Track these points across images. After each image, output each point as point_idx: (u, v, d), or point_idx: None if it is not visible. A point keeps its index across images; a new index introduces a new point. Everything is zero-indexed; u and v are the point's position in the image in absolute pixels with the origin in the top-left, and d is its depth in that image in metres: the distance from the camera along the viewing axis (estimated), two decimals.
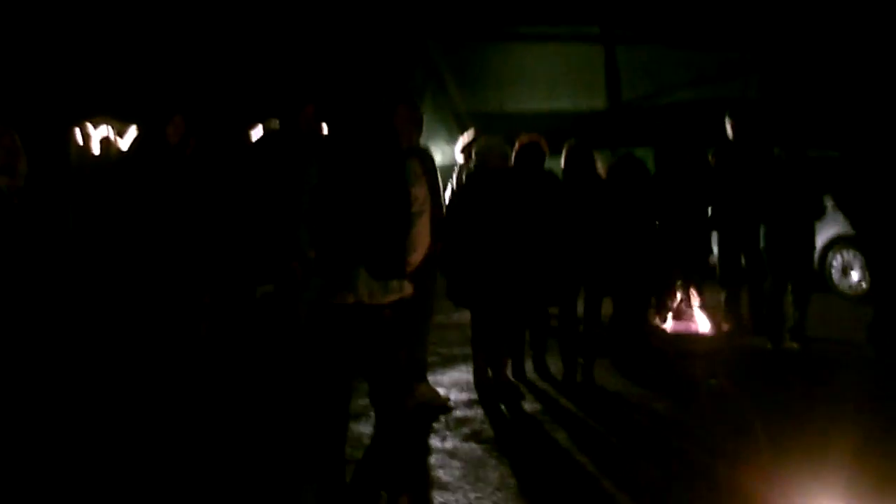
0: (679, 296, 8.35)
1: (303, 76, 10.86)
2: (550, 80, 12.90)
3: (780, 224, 8.33)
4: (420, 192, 4.75)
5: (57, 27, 9.62)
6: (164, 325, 6.61)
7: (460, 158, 8.83)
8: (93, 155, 9.21)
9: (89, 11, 9.92)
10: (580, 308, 7.57)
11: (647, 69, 13.27)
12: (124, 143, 9.39)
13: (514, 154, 7.40)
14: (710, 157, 8.79)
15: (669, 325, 8.40)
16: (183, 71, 9.97)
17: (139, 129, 6.88)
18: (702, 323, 8.47)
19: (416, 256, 4.73)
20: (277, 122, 10.41)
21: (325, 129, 7.09)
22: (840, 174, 9.15)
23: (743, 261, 8.74)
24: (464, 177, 7.58)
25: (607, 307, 7.75)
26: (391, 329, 4.54)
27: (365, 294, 4.46)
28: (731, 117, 8.80)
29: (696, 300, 8.35)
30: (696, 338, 8.29)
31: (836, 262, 10.73)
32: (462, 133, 10.57)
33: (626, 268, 7.56)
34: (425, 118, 7.04)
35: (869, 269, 9.97)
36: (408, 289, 4.63)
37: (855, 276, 10.56)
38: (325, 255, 4.49)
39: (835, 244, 10.61)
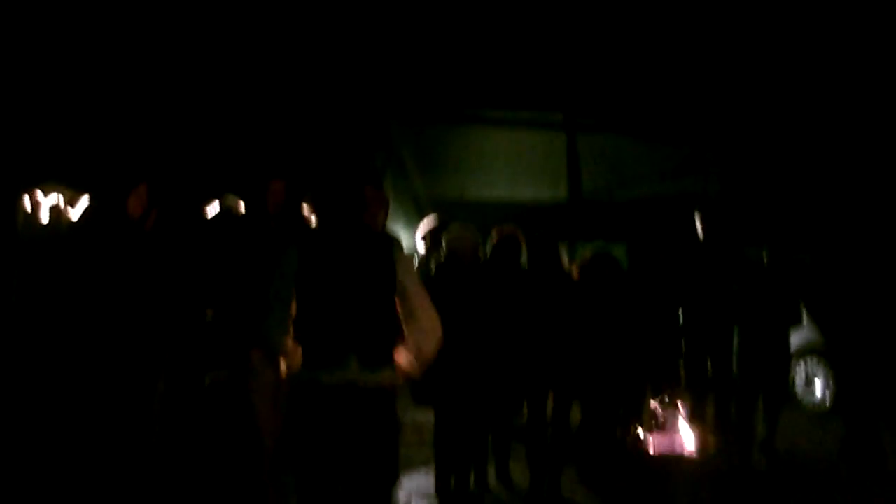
0: (660, 407, 7.72)
1: (263, 152, 10.42)
2: (512, 168, 12.60)
3: (754, 330, 7.95)
4: (407, 277, 4.41)
5: (8, 85, 9.09)
6: (111, 412, 5.96)
7: (421, 246, 8.48)
8: (41, 224, 8.66)
9: (44, 71, 9.40)
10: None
11: (609, 160, 13.01)
12: (75, 213, 8.91)
13: (491, 246, 7.01)
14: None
15: (651, 438, 7.69)
16: (141, 138, 9.44)
17: (94, 197, 6.29)
18: (686, 438, 7.72)
19: (430, 346, 4.38)
20: (235, 198, 10.05)
21: (301, 209, 6.68)
22: (812, 279, 8.83)
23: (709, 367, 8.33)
24: (432, 267, 7.12)
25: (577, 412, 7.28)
26: (385, 413, 4.29)
27: (357, 377, 4.19)
28: (700, 213, 8.43)
29: (680, 412, 7.72)
30: (678, 454, 7.62)
31: (800, 372, 10.37)
32: (421, 219, 10.25)
33: (597, 370, 7.12)
34: None
35: (838, 380, 9.62)
36: (396, 377, 4.34)
37: (819, 387, 10.19)
38: (312, 342, 4.21)
39: (799, 353, 10.17)
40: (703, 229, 8.33)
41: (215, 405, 7.51)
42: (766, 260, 8.20)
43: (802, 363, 10.36)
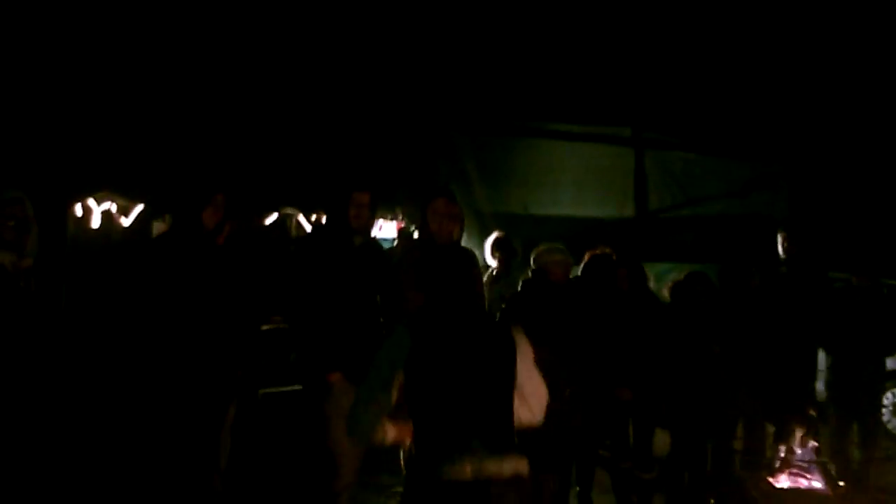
0: (787, 443, 7.26)
1: (321, 162, 10.20)
2: (578, 183, 12.28)
3: (846, 356, 7.60)
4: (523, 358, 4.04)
5: (65, 93, 8.89)
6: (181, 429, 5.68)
7: (492, 261, 8.25)
8: (92, 231, 8.49)
9: (99, 78, 9.21)
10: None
11: (676, 177, 12.69)
12: (128, 221, 8.72)
13: (583, 266, 6.75)
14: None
15: (781, 477, 7.20)
16: (204, 148, 9.23)
17: (173, 208, 6.03)
18: (815, 476, 7.04)
19: (539, 411, 4.07)
20: (292, 209, 9.82)
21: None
22: None
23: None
24: (519, 285, 6.85)
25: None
26: None
27: (483, 466, 3.78)
28: (785, 232, 8.08)
29: (809, 448, 7.23)
30: (805, 494, 7.00)
31: (889, 400, 9.99)
32: (483, 232, 9.99)
33: (687, 398, 6.79)
34: None
35: None
36: (524, 464, 3.92)
37: None
38: (430, 430, 3.83)
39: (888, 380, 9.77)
40: (787, 250, 7.98)
41: (285, 423, 7.34)
42: (854, 283, 7.85)
43: (891, 392, 9.97)
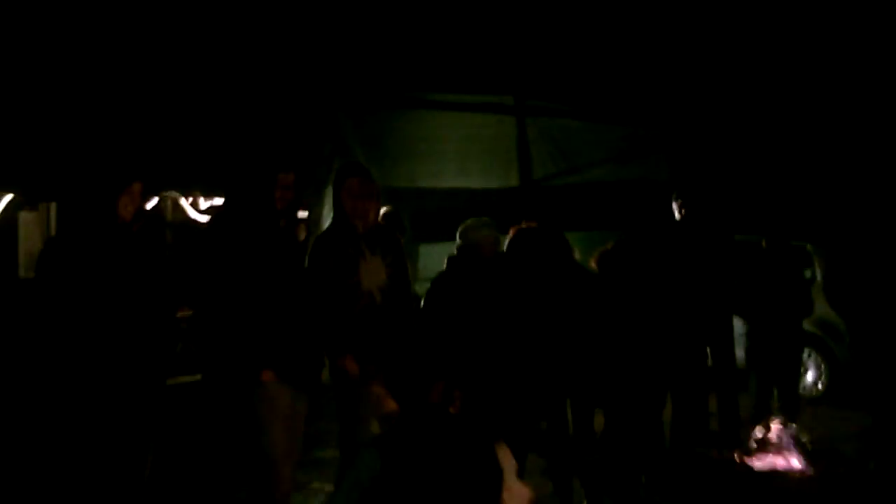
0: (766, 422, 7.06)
1: (200, 145, 9.62)
2: (461, 154, 11.99)
3: (763, 321, 7.54)
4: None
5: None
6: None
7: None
8: None
9: None
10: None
11: (559, 145, 12.53)
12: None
13: (508, 241, 6.43)
14: None
15: (756, 458, 6.88)
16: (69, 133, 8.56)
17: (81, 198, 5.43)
18: (793, 456, 6.79)
19: None
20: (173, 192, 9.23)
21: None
22: (829, 265, 8.50)
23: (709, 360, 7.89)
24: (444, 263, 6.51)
25: None
26: None
27: None
28: (679, 198, 7.97)
29: (787, 427, 7.02)
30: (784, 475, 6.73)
31: None
32: None
33: (622, 375, 6.54)
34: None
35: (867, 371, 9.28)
36: None
37: (810, 376, 9.89)
38: None
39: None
40: (685, 215, 7.88)
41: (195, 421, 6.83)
42: (764, 246, 7.81)
43: None
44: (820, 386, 9.74)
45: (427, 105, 11.85)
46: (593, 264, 6.84)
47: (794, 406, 7.61)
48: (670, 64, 12.83)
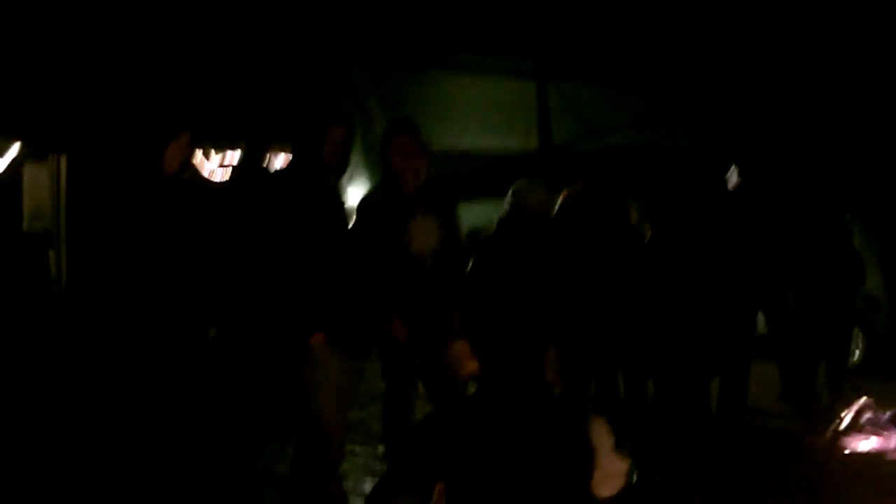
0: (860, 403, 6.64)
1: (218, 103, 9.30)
2: (480, 117, 11.70)
3: (816, 293, 7.30)
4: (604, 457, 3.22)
5: None
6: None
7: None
8: None
9: None
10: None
11: (578, 109, 12.26)
12: None
13: (560, 205, 6.18)
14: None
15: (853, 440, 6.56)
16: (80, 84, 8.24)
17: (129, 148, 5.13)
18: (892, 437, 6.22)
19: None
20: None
21: None
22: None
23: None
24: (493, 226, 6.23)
25: None
26: None
27: None
28: (738, 165, 7.69)
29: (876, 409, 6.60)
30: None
31: None
32: None
33: (676, 342, 6.30)
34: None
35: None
36: None
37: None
38: None
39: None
40: (740, 184, 7.58)
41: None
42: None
43: None
44: (855, 358, 9.49)
45: (447, 65, 11.55)
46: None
47: (841, 380, 7.37)
48: (691, 30, 12.50)
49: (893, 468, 5.88)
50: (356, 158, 6.15)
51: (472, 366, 3.31)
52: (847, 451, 6.10)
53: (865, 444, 6.13)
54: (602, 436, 3.07)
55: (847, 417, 6.19)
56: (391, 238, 5.56)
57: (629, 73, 12.34)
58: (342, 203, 5.49)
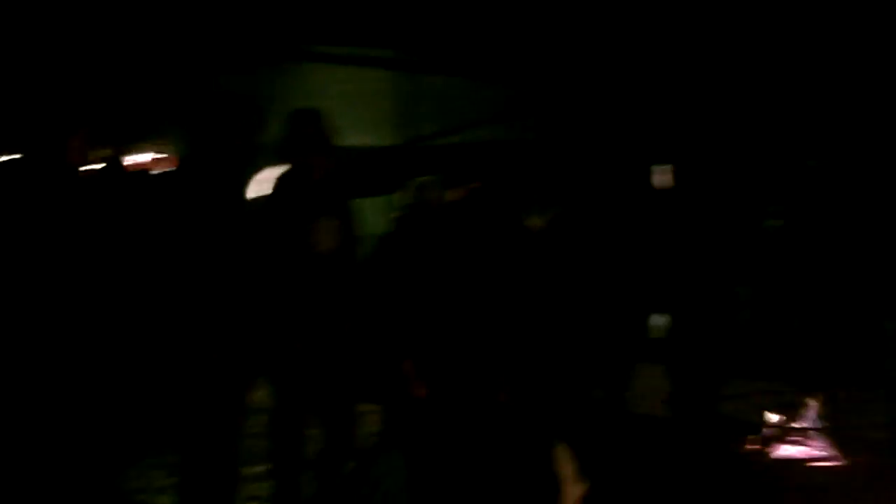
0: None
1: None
2: (337, 111, 11.36)
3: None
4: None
5: None
6: None
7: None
8: None
9: None
10: None
11: (438, 102, 12.12)
12: None
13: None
14: None
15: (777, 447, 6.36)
16: None
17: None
18: (816, 444, 6.26)
19: None
20: None
21: None
22: None
23: None
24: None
25: None
26: None
27: None
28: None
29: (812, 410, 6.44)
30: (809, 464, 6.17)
31: None
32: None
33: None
34: None
35: None
36: None
37: None
38: None
39: None
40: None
41: None
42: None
43: None
44: None
45: (304, 58, 11.20)
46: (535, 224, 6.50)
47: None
48: (552, 21, 12.49)
49: (820, 476, 5.92)
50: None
51: (419, 389, 3.08)
52: (773, 458, 6.12)
53: (791, 451, 6.15)
54: (566, 465, 2.91)
55: (772, 424, 6.17)
56: (295, 239, 5.27)
57: (495, 66, 12.25)
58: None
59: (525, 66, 12.23)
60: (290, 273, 5.20)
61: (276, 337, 5.18)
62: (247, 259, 4.85)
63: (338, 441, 5.08)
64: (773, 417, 6.42)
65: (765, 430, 6.40)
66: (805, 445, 6.25)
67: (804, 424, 6.34)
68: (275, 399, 5.25)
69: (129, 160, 8.77)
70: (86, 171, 4.93)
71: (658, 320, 7.30)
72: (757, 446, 6.36)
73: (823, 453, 6.21)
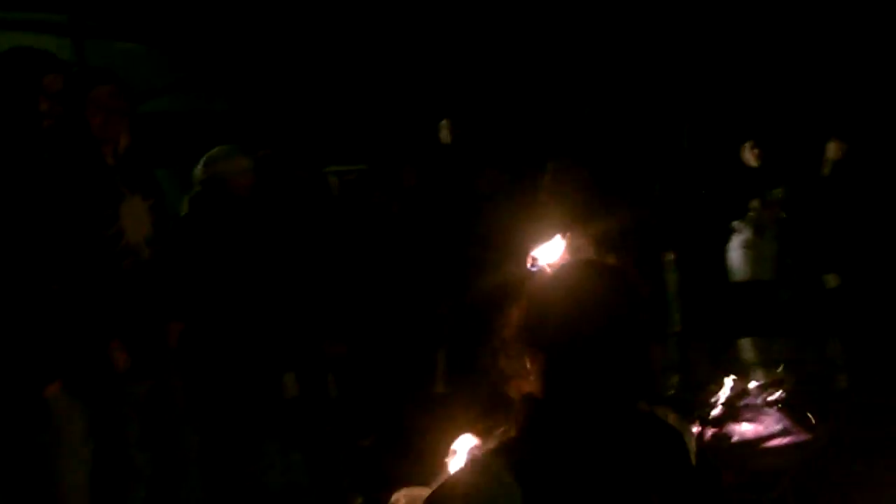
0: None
1: None
2: None
3: None
4: None
5: None
6: None
7: None
8: None
9: None
10: None
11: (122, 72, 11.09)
12: None
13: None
14: None
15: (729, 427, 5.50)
16: None
17: None
18: (772, 418, 5.51)
19: None
20: None
21: None
22: None
23: None
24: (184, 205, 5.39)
25: None
26: None
27: None
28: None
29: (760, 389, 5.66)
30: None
31: None
32: None
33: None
34: None
35: None
36: None
37: None
38: None
39: None
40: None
41: None
42: None
43: None
44: None
45: None
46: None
47: None
48: None
49: (774, 457, 5.41)
50: None
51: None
52: (721, 438, 5.48)
53: (742, 429, 5.51)
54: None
55: (720, 402, 5.67)
56: (96, 227, 4.51)
57: (174, 33, 11.41)
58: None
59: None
60: (96, 273, 4.48)
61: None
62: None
63: None
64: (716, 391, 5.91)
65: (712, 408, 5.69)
66: (760, 423, 5.57)
67: (753, 400, 5.71)
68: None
69: None
70: None
71: None
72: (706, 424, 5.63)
73: (782, 426, 5.56)
